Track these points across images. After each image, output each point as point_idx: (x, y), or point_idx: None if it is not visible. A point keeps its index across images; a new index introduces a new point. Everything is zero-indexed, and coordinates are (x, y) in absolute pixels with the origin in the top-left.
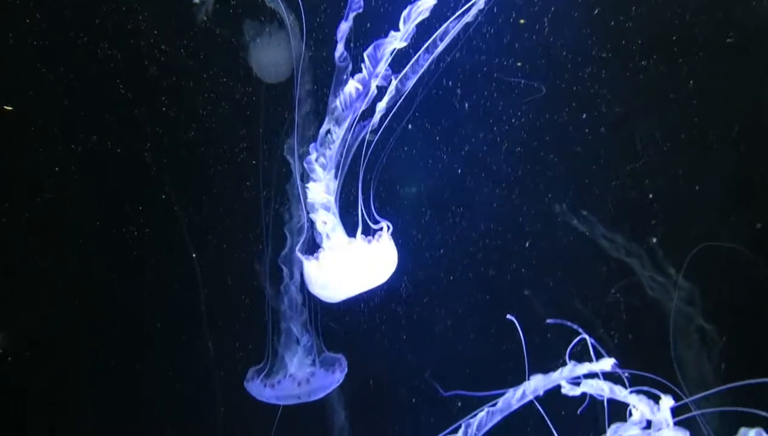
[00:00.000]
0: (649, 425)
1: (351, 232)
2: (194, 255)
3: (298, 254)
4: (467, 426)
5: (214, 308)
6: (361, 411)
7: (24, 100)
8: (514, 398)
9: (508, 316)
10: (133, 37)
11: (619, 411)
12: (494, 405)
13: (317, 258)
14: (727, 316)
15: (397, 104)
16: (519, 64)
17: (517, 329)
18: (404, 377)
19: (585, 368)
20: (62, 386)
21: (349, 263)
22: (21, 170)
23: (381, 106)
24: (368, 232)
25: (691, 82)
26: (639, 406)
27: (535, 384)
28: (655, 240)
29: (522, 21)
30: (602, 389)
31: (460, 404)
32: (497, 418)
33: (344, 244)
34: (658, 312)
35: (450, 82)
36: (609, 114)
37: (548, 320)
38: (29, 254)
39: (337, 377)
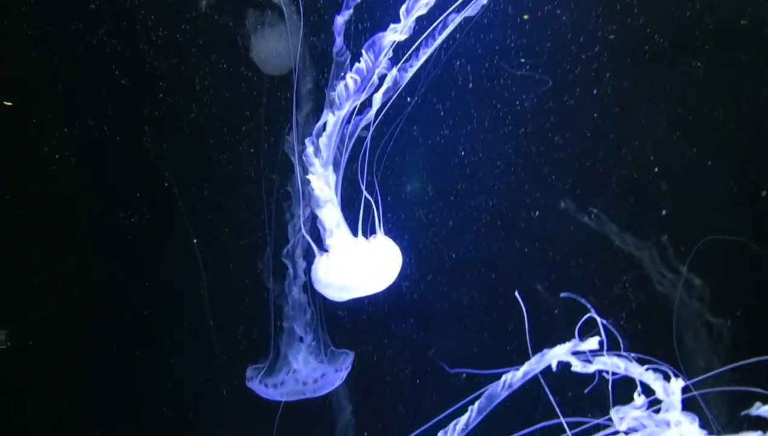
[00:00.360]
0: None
1: (355, 228)
2: (195, 241)
3: (309, 241)
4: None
5: (216, 298)
6: (365, 391)
7: (18, 89)
8: (514, 377)
9: (516, 292)
10: (130, 23)
11: (623, 393)
12: (496, 385)
13: (325, 255)
14: (734, 310)
15: (396, 93)
16: (523, 49)
17: (523, 309)
18: (408, 356)
19: (569, 346)
20: (63, 378)
21: (355, 262)
22: (18, 161)
23: (377, 97)
24: (373, 225)
25: (700, 63)
26: (654, 385)
27: (534, 363)
28: (666, 238)
29: (526, 16)
30: (617, 366)
31: (464, 376)
32: (501, 397)
33: (349, 241)
34: (665, 305)
35: (456, 63)
36: (615, 98)
37: (562, 294)
38: (28, 245)
39: (343, 374)
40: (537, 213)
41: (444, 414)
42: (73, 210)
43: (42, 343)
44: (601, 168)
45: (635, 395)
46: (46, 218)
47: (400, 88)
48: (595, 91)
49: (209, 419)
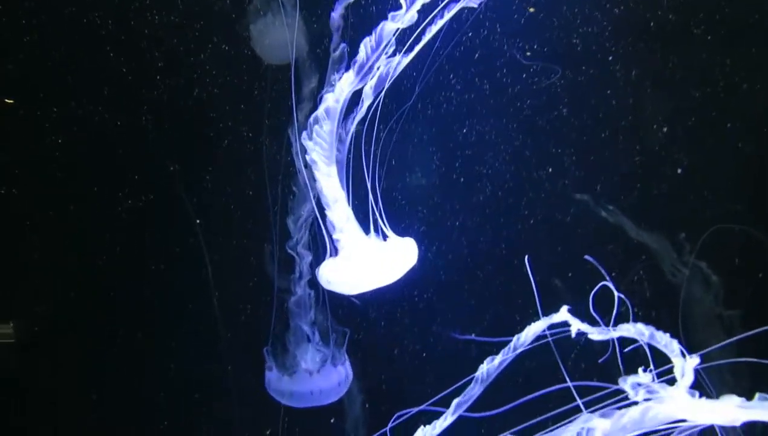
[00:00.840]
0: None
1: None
2: (198, 221)
3: (323, 239)
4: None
5: (220, 287)
6: (371, 365)
7: (14, 78)
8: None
9: (526, 257)
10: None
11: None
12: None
13: (333, 258)
14: (745, 299)
15: (392, 80)
16: (528, 27)
17: (531, 283)
18: (417, 330)
19: (542, 324)
20: (65, 370)
21: (366, 261)
22: (16, 153)
23: (368, 90)
24: (386, 218)
25: (710, 36)
26: (674, 360)
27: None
28: (684, 235)
29: (532, 9)
30: (642, 333)
31: (473, 335)
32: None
33: (359, 239)
34: (675, 294)
35: (463, 38)
36: (623, 76)
37: (586, 257)
38: (29, 237)
39: (347, 373)
40: (545, 193)
41: (451, 388)
42: (73, 198)
43: (46, 334)
44: (611, 147)
45: (640, 370)
46: (47, 209)
47: (393, 77)
48: (603, 69)
49: (213, 411)
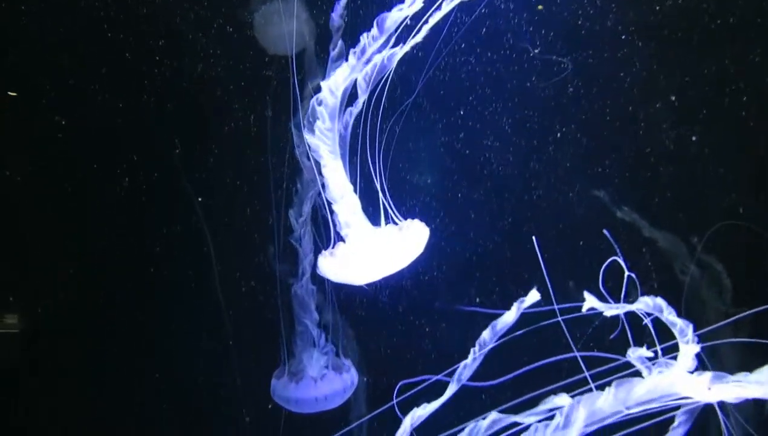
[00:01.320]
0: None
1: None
2: (200, 199)
3: (331, 234)
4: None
5: (222, 279)
6: (374, 341)
7: (13, 60)
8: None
9: (534, 238)
10: None
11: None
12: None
13: (338, 250)
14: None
15: (389, 70)
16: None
17: (537, 256)
18: (421, 304)
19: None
20: (66, 366)
21: (374, 250)
22: (18, 140)
23: (362, 75)
24: (396, 208)
25: (714, 26)
26: (681, 344)
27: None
28: (696, 239)
29: (540, 7)
30: (660, 308)
31: (479, 300)
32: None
33: (367, 230)
34: (681, 290)
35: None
36: (630, 71)
37: (603, 230)
38: (33, 227)
39: (352, 379)
40: (550, 167)
41: (456, 366)
42: (75, 180)
43: (48, 324)
44: (617, 126)
45: (643, 348)
46: (49, 193)
47: (391, 69)
48: (612, 50)
49: (215, 402)
